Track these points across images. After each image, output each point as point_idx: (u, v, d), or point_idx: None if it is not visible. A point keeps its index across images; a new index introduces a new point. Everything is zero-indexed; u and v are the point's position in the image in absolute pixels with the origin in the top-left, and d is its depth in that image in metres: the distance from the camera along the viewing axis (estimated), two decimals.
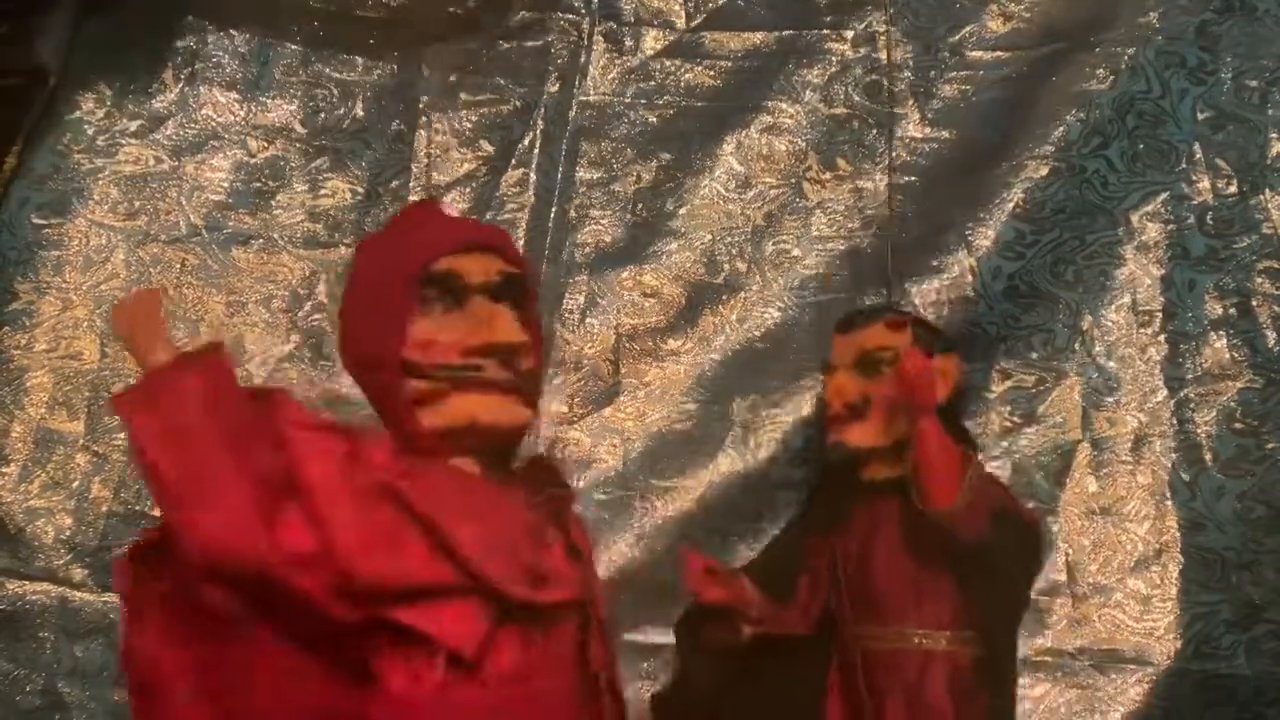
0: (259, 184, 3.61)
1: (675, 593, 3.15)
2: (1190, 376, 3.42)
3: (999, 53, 3.58)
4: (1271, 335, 3.41)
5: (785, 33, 3.67)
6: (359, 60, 3.68)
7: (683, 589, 2.87)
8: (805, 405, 3.42)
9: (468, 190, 3.63)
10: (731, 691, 2.92)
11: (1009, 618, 2.94)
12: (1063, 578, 3.36)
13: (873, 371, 2.95)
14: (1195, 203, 3.46)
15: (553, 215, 3.61)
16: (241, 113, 3.63)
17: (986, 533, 2.74)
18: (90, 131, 3.59)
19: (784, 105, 3.64)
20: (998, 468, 3.41)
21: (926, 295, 3.43)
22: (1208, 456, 3.37)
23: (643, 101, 3.67)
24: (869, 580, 2.91)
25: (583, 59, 3.69)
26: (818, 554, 3.00)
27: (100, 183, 3.58)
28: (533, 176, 3.63)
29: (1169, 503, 3.36)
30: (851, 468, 2.98)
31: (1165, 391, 3.42)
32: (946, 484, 2.72)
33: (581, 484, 3.45)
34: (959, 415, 3.08)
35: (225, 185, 3.61)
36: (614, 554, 3.40)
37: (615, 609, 3.38)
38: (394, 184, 3.62)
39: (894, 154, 3.58)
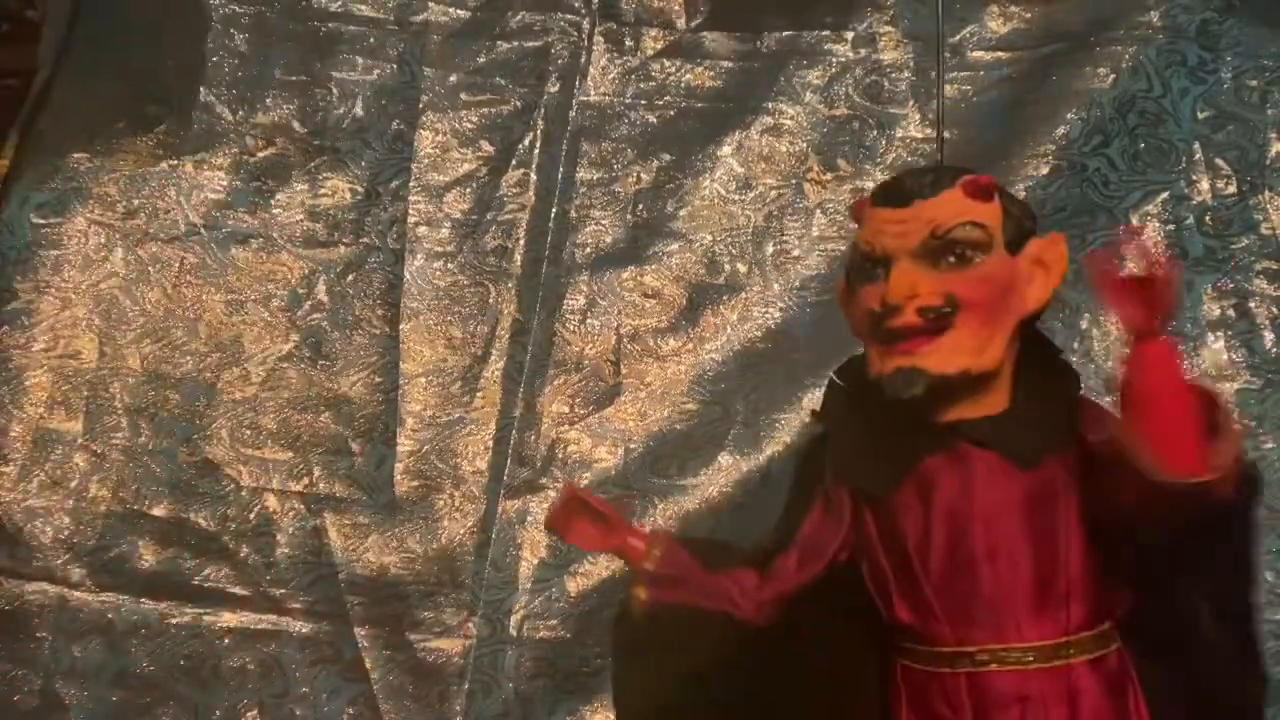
0: (258, 183, 3.61)
1: None
2: (1188, 377, 3.41)
3: (999, 53, 3.58)
4: (1269, 336, 3.42)
5: (785, 34, 3.68)
6: (359, 60, 3.67)
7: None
8: (806, 405, 3.42)
9: (468, 190, 3.63)
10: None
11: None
12: None
13: (956, 260, 2.03)
14: (1194, 203, 3.46)
15: (553, 215, 3.61)
16: (241, 112, 3.63)
17: (1235, 496, 1.87)
18: (90, 131, 3.58)
19: (784, 106, 3.64)
20: None
21: None
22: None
23: (643, 102, 3.67)
24: (975, 572, 2.02)
25: (583, 59, 3.69)
26: (830, 521, 2.14)
27: (99, 182, 3.57)
28: (533, 176, 3.63)
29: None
30: (925, 405, 2.04)
31: None
32: (1191, 440, 1.82)
33: (582, 484, 3.45)
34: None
35: (224, 184, 3.60)
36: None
37: (615, 609, 3.41)
38: (394, 184, 3.62)
39: (894, 154, 3.58)
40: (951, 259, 2.03)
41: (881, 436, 2.07)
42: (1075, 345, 3.43)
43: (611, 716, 3.20)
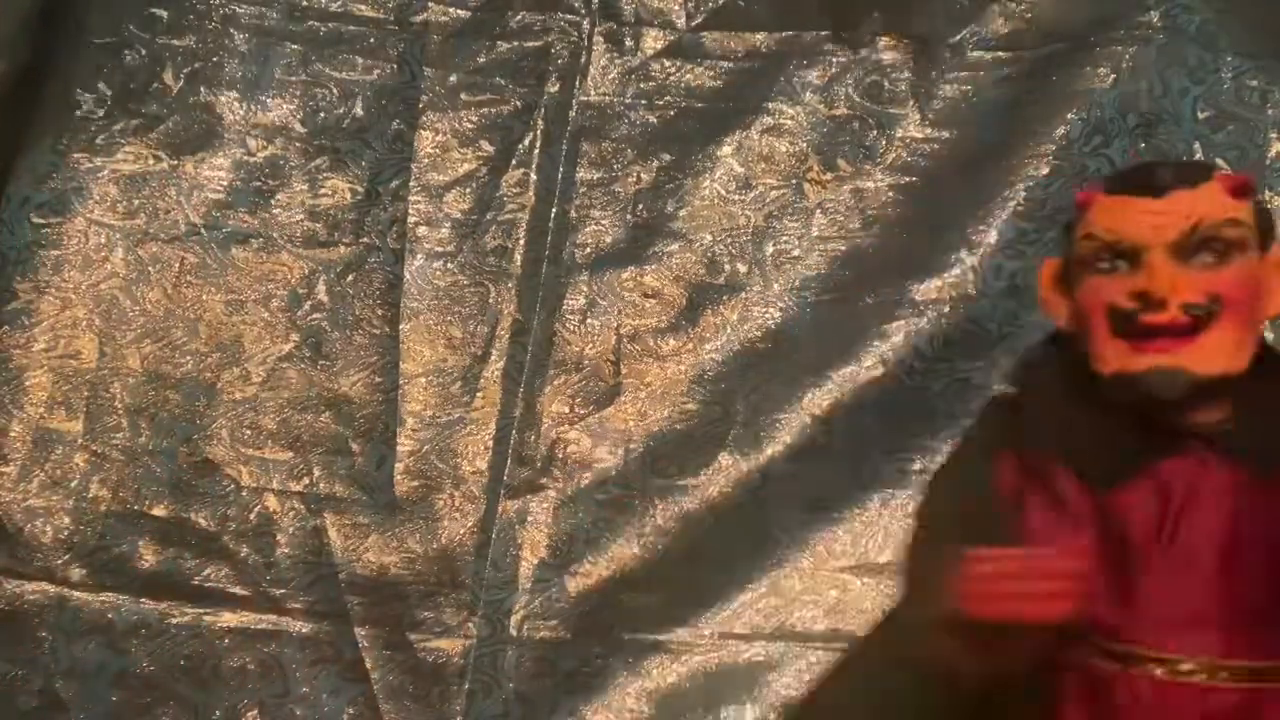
0: (258, 183, 3.60)
1: (676, 591, 3.18)
2: None
3: (999, 53, 3.58)
4: (1269, 337, 3.40)
5: (785, 33, 3.68)
6: (359, 60, 3.67)
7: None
8: (806, 405, 3.42)
9: (468, 190, 3.63)
10: None
11: None
12: None
13: (1216, 258, 1.93)
14: None
15: (553, 215, 3.61)
16: (241, 112, 3.63)
17: None
18: (89, 130, 3.58)
19: (784, 106, 3.63)
20: None
21: (927, 294, 3.43)
22: None
23: (643, 102, 3.67)
24: (1196, 578, 1.92)
25: (583, 59, 3.69)
26: (1060, 503, 1.98)
27: (99, 182, 3.57)
28: (533, 176, 3.63)
29: None
30: (1177, 406, 1.94)
31: None
32: None
33: (582, 484, 3.45)
34: None
35: (224, 184, 3.60)
36: (614, 554, 3.41)
37: (615, 609, 3.41)
38: (394, 184, 3.62)
39: (894, 154, 3.58)
40: (1209, 256, 1.94)
41: (1117, 431, 1.96)
42: None
43: (612, 716, 3.21)
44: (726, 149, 3.63)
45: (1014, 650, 1.81)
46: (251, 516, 3.45)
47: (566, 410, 3.50)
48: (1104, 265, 1.98)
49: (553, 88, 3.68)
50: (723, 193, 3.61)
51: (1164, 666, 1.90)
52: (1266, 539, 1.91)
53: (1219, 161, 3.48)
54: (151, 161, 3.59)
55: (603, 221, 3.61)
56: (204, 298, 3.54)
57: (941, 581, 1.78)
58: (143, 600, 3.40)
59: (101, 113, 3.59)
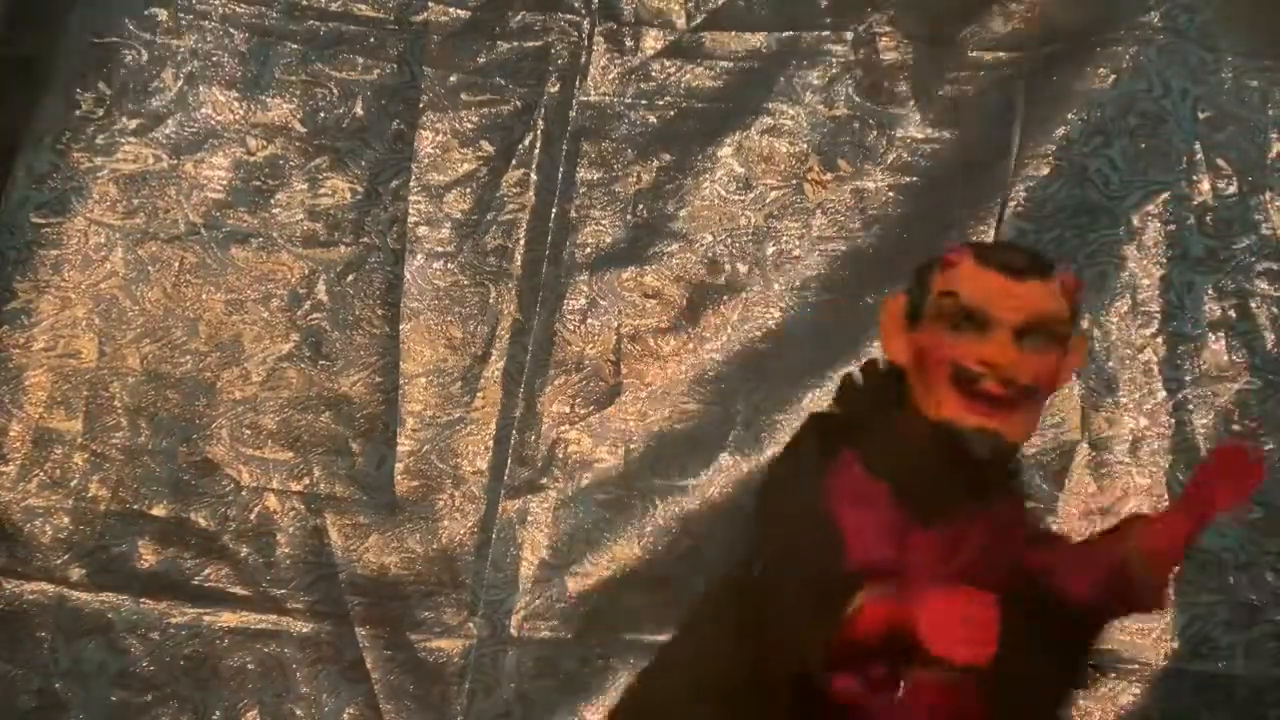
0: (258, 183, 3.61)
1: (676, 591, 3.18)
2: (1189, 378, 3.43)
3: (999, 53, 3.58)
4: (1270, 337, 3.42)
5: (785, 34, 3.68)
6: (359, 60, 3.67)
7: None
8: (807, 405, 3.43)
9: (468, 190, 3.63)
10: None
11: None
12: None
13: (1039, 345, 2.19)
14: (1195, 203, 3.47)
15: (553, 215, 3.61)
16: (241, 111, 3.63)
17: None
18: (89, 130, 3.58)
19: (784, 107, 3.64)
20: None
21: None
22: (1205, 458, 3.38)
23: (643, 102, 3.67)
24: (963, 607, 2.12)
25: (583, 59, 3.69)
26: (883, 514, 2.21)
27: (99, 181, 3.57)
28: (533, 176, 3.63)
29: (1167, 504, 3.37)
30: (980, 464, 2.20)
31: (1164, 393, 3.43)
32: (1164, 592, 2.20)
33: (582, 484, 3.46)
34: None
35: (224, 184, 3.60)
36: (615, 554, 3.41)
37: (615, 609, 3.42)
38: (394, 184, 3.62)
39: (894, 155, 3.58)
40: (1040, 343, 2.19)
41: (925, 469, 2.20)
42: None
43: None
44: (726, 149, 3.63)
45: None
46: (251, 516, 3.45)
47: (567, 410, 3.51)
48: (955, 324, 2.20)
49: (553, 88, 3.68)
50: (723, 193, 3.61)
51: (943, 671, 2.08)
52: (999, 583, 2.09)
53: (1219, 162, 3.49)
54: (151, 161, 3.59)
55: (603, 221, 3.62)
56: (204, 297, 3.55)
57: (821, 604, 2.02)
58: (143, 600, 3.40)
59: (101, 113, 3.59)
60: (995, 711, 2.19)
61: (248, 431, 3.48)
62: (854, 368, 2.42)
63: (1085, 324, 3.44)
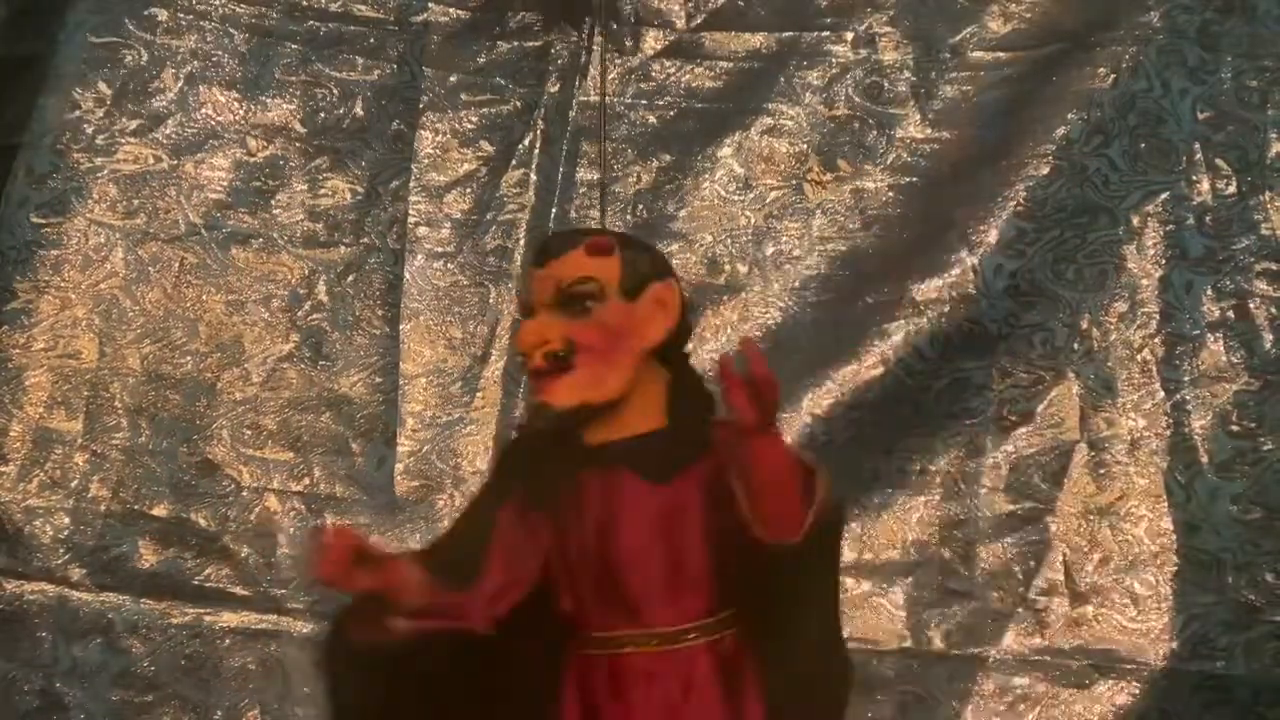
0: (258, 183, 3.61)
1: None
2: (1187, 378, 3.44)
3: (999, 53, 3.59)
4: (1269, 338, 3.43)
5: (785, 34, 3.68)
6: (359, 60, 3.67)
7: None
8: (806, 405, 3.43)
9: (468, 190, 3.64)
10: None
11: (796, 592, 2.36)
12: (1060, 578, 3.38)
13: (577, 310, 2.34)
14: (1194, 203, 3.47)
15: (553, 215, 3.62)
16: (241, 112, 3.63)
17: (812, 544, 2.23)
18: (90, 130, 3.58)
19: (784, 107, 3.64)
20: (995, 466, 3.43)
21: (927, 294, 3.44)
22: (1203, 459, 3.39)
23: (643, 102, 3.67)
24: (616, 571, 2.33)
25: (583, 59, 3.69)
26: (524, 530, 2.39)
27: (99, 182, 3.57)
28: (533, 176, 3.64)
29: (1165, 504, 3.38)
30: (566, 432, 2.36)
31: (1162, 393, 3.43)
32: (793, 513, 2.16)
33: None
34: (687, 357, 2.49)
35: (225, 184, 3.60)
36: None
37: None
38: (394, 184, 3.62)
39: (894, 155, 3.59)
40: (575, 309, 2.34)
41: (549, 457, 2.38)
42: (1075, 345, 3.45)
43: None
44: (726, 149, 3.64)
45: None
46: (252, 517, 3.45)
47: None
48: (520, 321, 2.46)
49: (553, 88, 3.69)
50: (723, 193, 3.61)
51: (614, 644, 2.31)
52: (663, 532, 2.30)
53: (1218, 162, 3.49)
54: (151, 162, 3.59)
55: (603, 222, 3.62)
56: (204, 298, 3.55)
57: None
58: (143, 600, 3.41)
59: (101, 113, 3.59)
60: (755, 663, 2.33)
61: (248, 432, 3.49)
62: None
63: (1085, 324, 3.45)
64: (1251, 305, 3.44)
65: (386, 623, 2.21)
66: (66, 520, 3.42)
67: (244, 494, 3.45)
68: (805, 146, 3.62)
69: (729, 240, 3.58)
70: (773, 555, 2.17)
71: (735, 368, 2.10)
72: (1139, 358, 3.46)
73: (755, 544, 2.16)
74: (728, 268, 3.56)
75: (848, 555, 3.37)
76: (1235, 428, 3.40)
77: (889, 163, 3.58)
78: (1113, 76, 3.50)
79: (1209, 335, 3.44)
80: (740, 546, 2.20)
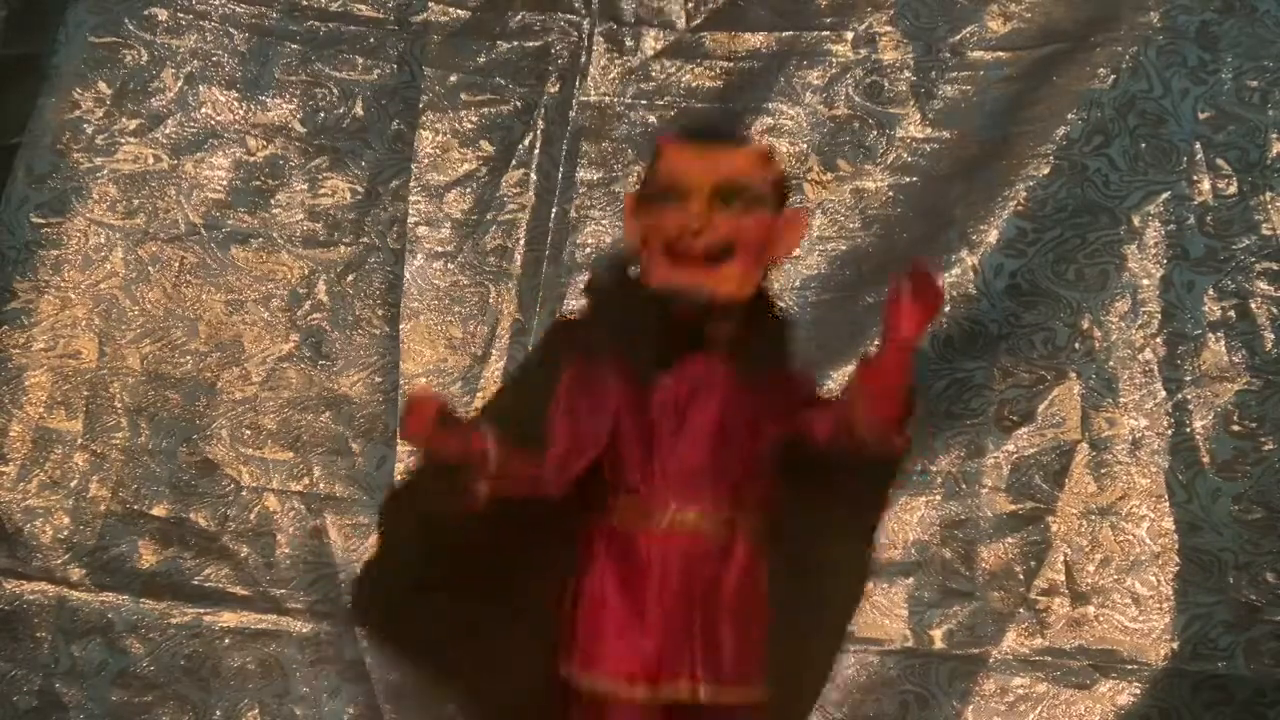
0: (258, 183, 3.61)
1: None
2: (1188, 378, 3.44)
3: (999, 53, 3.59)
4: (1270, 337, 3.43)
5: (785, 34, 3.68)
6: (359, 60, 3.68)
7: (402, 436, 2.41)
8: None
9: (468, 190, 3.64)
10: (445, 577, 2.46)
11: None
12: (1061, 578, 3.38)
13: (738, 208, 2.41)
14: (1195, 203, 3.47)
15: (553, 215, 3.62)
16: (241, 111, 3.63)
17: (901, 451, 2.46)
18: (89, 130, 3.58)
19: (784, 107, 3.64)
20: (996, 466, 3.43)
21: None
22: (1204, 459, 3.39)
23: (643, 102, 3.68)
24: (693, 452, 2.44)
25: (583, 59, 3.69)
26: (590, 397, 2.46)
27: (99, 181, 3.57)
28: (533, 176, 3.64)
29: (1166, 504, 3.37)
30: (699, 316, 2.43)
31: (1163, 393, 3.43)
32: (900, 421, 2.37)
33: None
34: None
35: (224, 184, 3.60)
36: None
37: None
38: (394, 184, 3.63)
39: (894, 154, 3.59)
40: (739, 204, 2.42)
41: (653, 332, 2.44)
42: (1076, 345, 3.45)
43: None
44: None
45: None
46: (251, 516, 3.45)
47: None
48: (664, 200, 2.46)
49: (553, 88, 3.69)
50: None
51: (669, 519, 2.41)
52: (747, 425, 2.43)
53: (1219, 162, 3.49)
54: (151, 161, 3.59)
55: (603, 221, 3.62)
56: (204, 298, 3.55)
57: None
58: (143, 600, 3.40)
59: (101, 113, 3.59)
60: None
61: (248, 431, 3.49)
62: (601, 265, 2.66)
63: (1086, 324, 3.45)
64: (1253, 305, 3.44)
65: (469, 487, 2.32)
66: (66, 520, 3.42)
67: (243, 494, 3.45)
68: (805, 146, 3.62)
69: None
70: (835, 463, 2.38)
71: (903, 282, 2.27)
72: (1140, 358, 3.46)
73: (858, 446, 2.35)
74: None
75: None
76: (1237, 427, 3.40)
77: (889, 162, 3.58)
78: (1113, 77, 3.50)
79: (1210, 335, 3.44)
80: (812, 456, 2.39)
